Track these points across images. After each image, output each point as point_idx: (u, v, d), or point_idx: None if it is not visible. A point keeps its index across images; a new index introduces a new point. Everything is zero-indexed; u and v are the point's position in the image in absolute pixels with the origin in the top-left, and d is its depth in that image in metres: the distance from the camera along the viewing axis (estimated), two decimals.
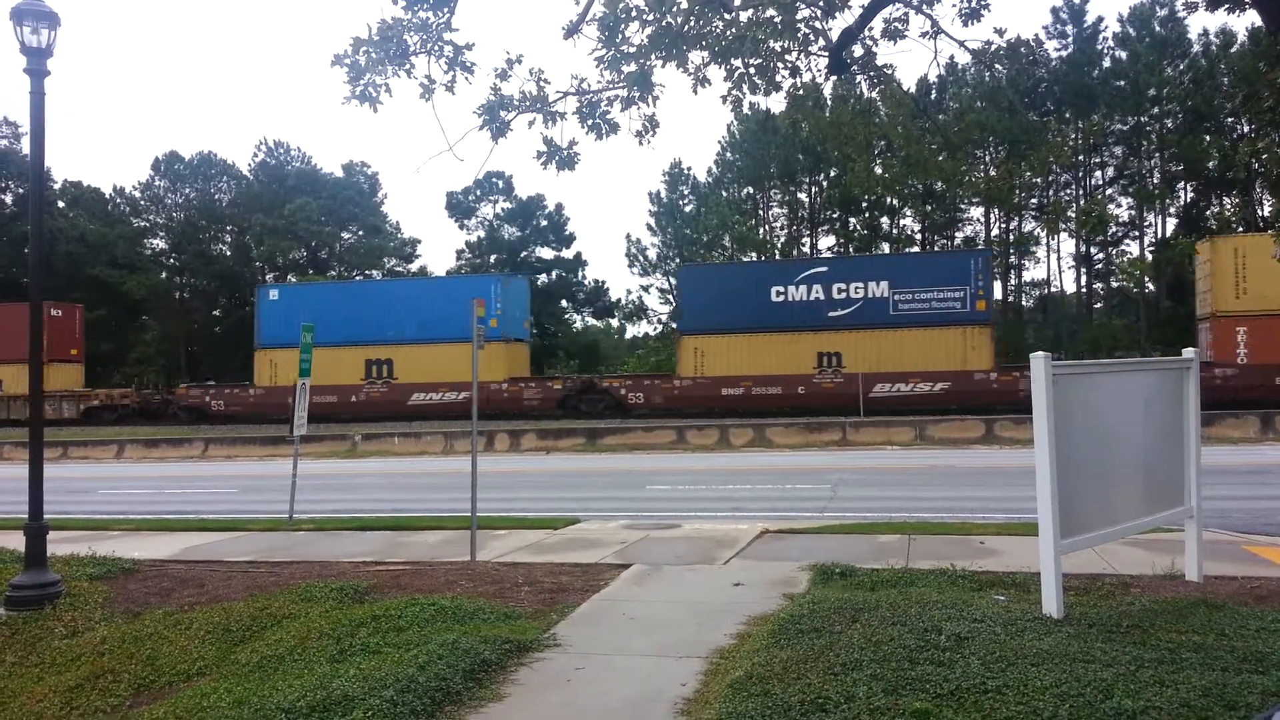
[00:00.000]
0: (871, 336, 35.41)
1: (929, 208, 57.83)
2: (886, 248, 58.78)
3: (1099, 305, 60.15)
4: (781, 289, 36.79)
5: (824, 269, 37.54)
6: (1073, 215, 51.21)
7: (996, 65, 8.94)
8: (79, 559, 10.12)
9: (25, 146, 59.59)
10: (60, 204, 67.52)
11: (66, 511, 15.75)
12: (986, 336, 34.68)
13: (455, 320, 34.91)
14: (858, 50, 8.74)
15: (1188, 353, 7.57)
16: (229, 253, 72.37)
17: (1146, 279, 54.23)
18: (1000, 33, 8.59)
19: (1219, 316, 33.03)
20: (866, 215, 60.24)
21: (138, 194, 72.36)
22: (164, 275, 69.52)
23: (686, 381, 36.80)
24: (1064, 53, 53.39)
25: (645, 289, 65.69)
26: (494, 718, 5.25)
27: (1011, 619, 6.17)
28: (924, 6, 8.51)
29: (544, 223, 71.04)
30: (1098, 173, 57.14)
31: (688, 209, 64.30)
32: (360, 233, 72.24)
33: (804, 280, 36.77)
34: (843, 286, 36.05)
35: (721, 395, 36.36)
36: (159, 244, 73.04)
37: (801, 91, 8.88)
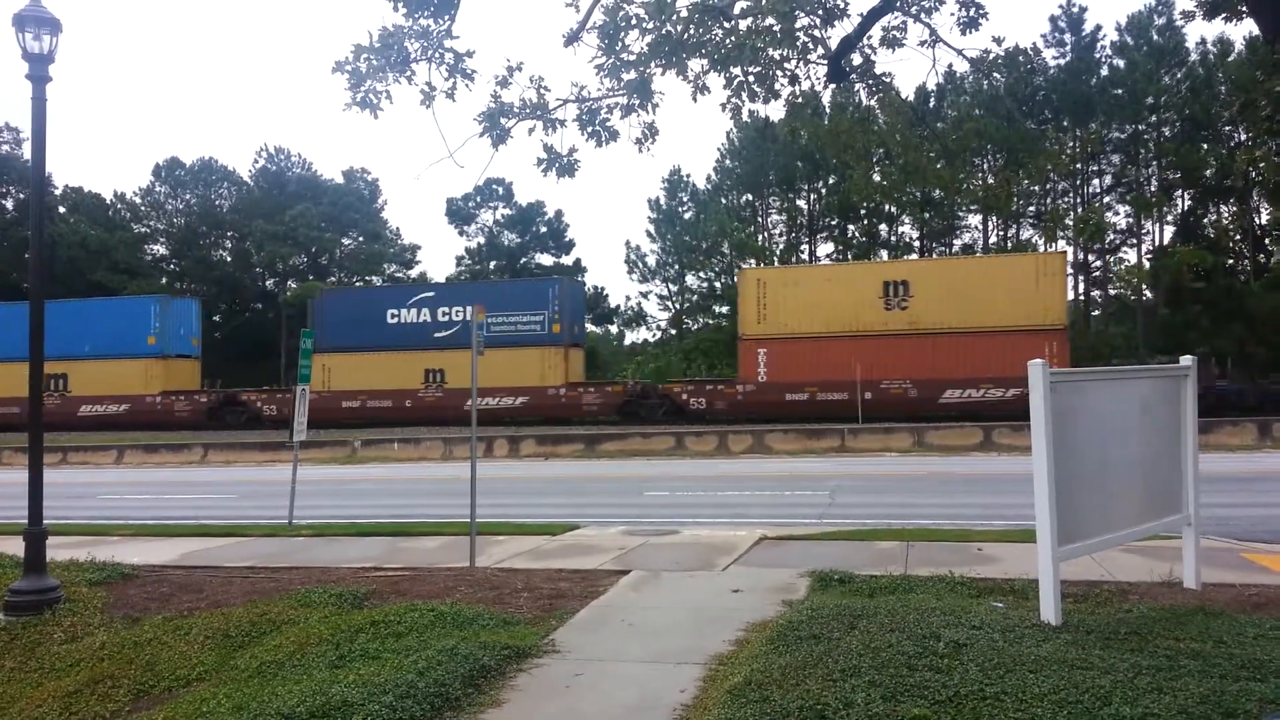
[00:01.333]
0: (467, 355, 36.66)
1: (927, 215, 57.96)
2: (885, 254, 58.86)
3: (1096, 313, 60.20)
4: (396, 311, 40.85)
5: (431, 294, 41.80)
6: (1070, 223, 51.33)
7: (995, 74, 8.98)
8: (78, 564, 10.11)
9: (26, 152, 59.63)
10: (61, 209, 67.62)
11: (66, 517, 15.74)
12: (561, 356, 38.98)
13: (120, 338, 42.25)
14: (856, 59, 8.78)
15: (1185, 360, 7.59)
16: (229, 259, 72.47)
17: (1144, 287, 54.27)
18: (998, 41, 8.63)
19: (744, 339, 36.96)
20: (865, 222, 60.36)
21: (138, 200, 72.52)
22: (164, 281, 69.50)
23: (312, 395, 39.60)
24: (1062, 61, 53.55)
25: (644, 295, 65.82)
26: None
27: (1010, 626, 6.18)
28: (922, 15, 8.56)
29: (543, 229, 71.14)
30: (1095, 181, 57.26)
31: (687, 216, 64.40)
32: (360, 239, 72.35)
33: (414, 304, 40.93)
34: (446, 310, 40.25)
35: (342, 408, 40.36)
36: (159, 250, 73.19)
37: (800, 99, 8.91)
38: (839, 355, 34.84)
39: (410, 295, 42.05)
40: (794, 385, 36.01)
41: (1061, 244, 53.52)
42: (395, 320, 40.73)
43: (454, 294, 42.21)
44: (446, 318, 39.96)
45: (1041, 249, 50.45)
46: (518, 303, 39.45)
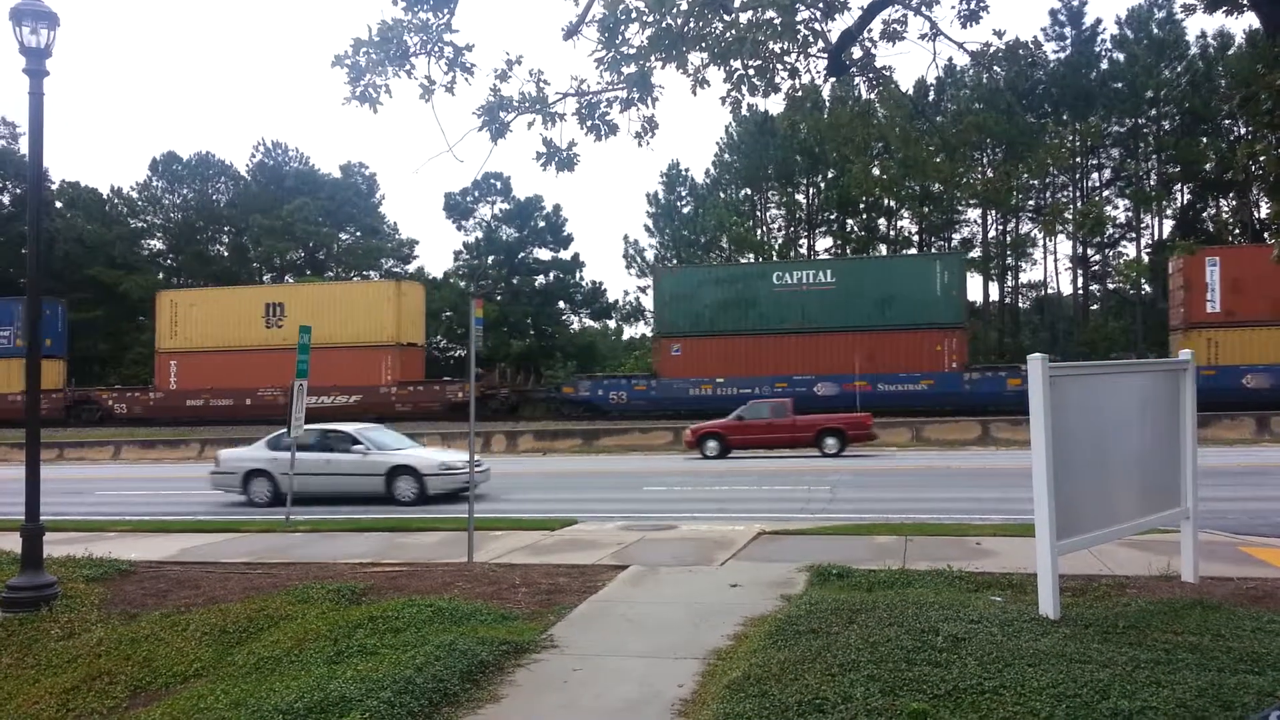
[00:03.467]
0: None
1: (926, 209, 57.90)
2: (884, 249, 58.84)
3: (1095, 307, 60.23)
4: None
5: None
6: (1070, 217, 51.17)
7: (995, 67, 8.94)
8: (75, 560, 10.10)
9: (23, 146, 59.61)
10: (58, 204, 67.45)
11: (63, 513, 15.73)
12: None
13: None
14: (857, 52, 8.74)
15: (1184, 354, 7.58)
16: (226, 253, 72.34)
17: (1143, 281, 54.28)
18: (999, 34, 8.59)
19: (159, 353, 44.23)
20: (864, 217, 60.34)
21: (135, 194, 72.33)
22: (161, 276, 69.39)
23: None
24: (1062, 55, 53.49)
25: (643, 290, 65.73)
26: (491, 719, 5.25)
27: (1008, 620, 6.18)
28: (923, 8, 8.52)
29: (542, 224, 71.01)
30: (1095, 174, 57.25)
31: (685, 210, 64.36)
32: (358, 233, 72.24)
33: None
34: None
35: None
36: (156, 244, 73.03)
37: (800, 93, 8.88)
38: (231, 367, 41.89)
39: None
40: (195, 393, 42.85)
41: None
42: None
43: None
44: None
45: (1041, 244, 50.21)
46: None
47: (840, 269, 39.66)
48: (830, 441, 26.33)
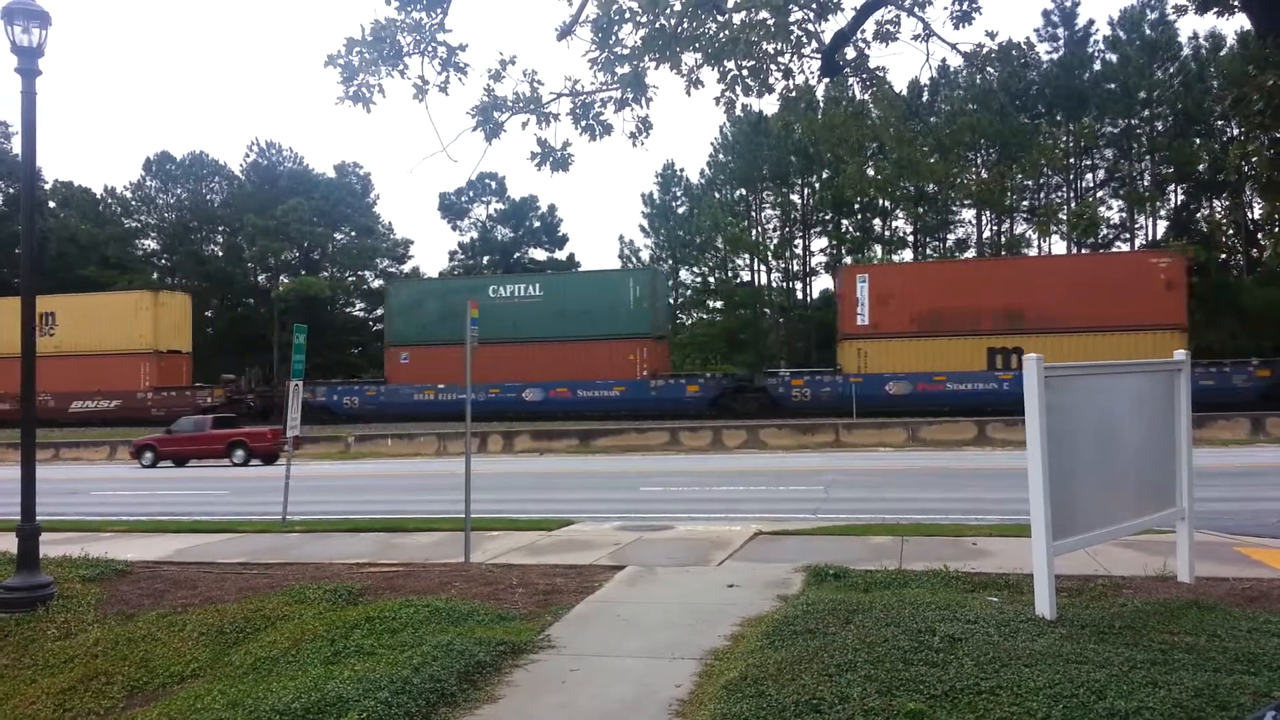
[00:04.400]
0: None
1: (921, 210, 57.99)
2: (879, 250, 58.94)
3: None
4: None
5: None
6: (1064, 217, 51.35)
7: (988, 68, 8.96)
8: (71, 560, 10.08)
9: (16, 146, 59.30)
10: (51, 204, 67.31)
11: (59, 513, 15.69)
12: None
13: None
14: (850, 52, 8.76)
15: (1179, 354, 7.60)
16: (221, 253, 72.20)
17: None
18: (992, 35, 8.62)
19: None
20: (859, 217, 60.39)
21: (129, 194, 72.20)
22: (155, 276, 69.24)
23: None
24: (1055, 56, 53.60)
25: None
26: (488, 719, 5.25)
27: (1004, 620, 6.19)
28: (916, 9, 8.54)
29: (537, 224, 71.04)
30: (1088, 175, 57.41)
31: (680, 210, 64.40)
32: (353, 233, 72.13)
33: None
34: None
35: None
36: (150, 244, 72.90)
37: (794, 93, 8.89)
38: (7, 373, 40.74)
39: None
40: None
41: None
42: None
43: None
44: None
45: (1035, 244, 50.44)
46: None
47: (547, 284, 43.47)
48: (239, 453, 30.67)
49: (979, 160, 52.10)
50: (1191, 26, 69.91)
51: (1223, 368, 35.58)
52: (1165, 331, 34.23)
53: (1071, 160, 54.06)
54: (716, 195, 63.18)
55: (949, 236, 60.75)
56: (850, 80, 9.29)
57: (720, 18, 7.95)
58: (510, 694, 5.60)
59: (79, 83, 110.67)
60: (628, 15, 7.84)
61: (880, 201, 57.97)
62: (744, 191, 63.72)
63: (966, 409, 34.42)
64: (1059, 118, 52.25)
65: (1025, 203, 56.22)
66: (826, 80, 9.08)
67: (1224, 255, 51.79)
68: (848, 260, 55.91)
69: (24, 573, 8.54)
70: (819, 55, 8.49)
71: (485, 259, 69.75)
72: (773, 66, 8.42)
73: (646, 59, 7.95)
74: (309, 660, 6.40)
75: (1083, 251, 51.79)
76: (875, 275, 38.95)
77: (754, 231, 62.51)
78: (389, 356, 43.19)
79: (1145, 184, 54.96)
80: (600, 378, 39.54)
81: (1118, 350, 32.49)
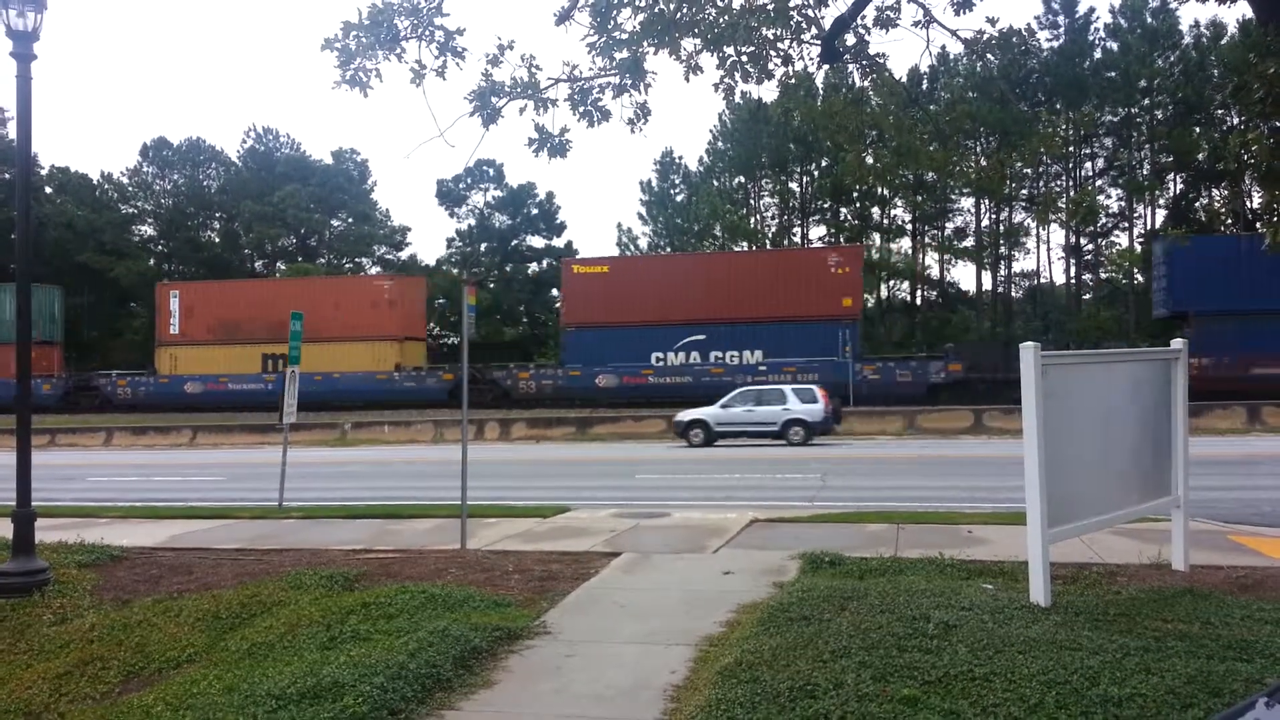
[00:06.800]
0: None
1: (920, 198, 57.91)
2: (878, 239, 58.92)
3: (1088, 296, 60.35)
4: None
5: None
6: (1063, 206, 51.25)
7: (988, 55, 8.93)
8: (67, 546, 10.07)
9: (11, 131, 58.95)
10: (48, 190, 67.06)
11: (54, 499, 15.69)
12: None
13: None
14: (850, 39, 8.72)
15: (1175, 344, 7.60)
16: (218, 239, 72.05)
17: (1135, 270, 54.41)
18: (992, 22, 8.57)
19: None
20: (858, 205, 60.32)
21: (126, 180, 71.96)
22: (152, 262, 69.12)
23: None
24: (1055, 43, 53.49)
25: None
26: (484, 704, 5.26)
27: (999, 607, 6.21)
28: None
29: (535, 211, 70.87)
30: (1088, 164, 57.34)
31: (679, 198, 64.27)
32: (350, 220, 71.99)
33: None
34: None
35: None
36: (147, 230, 72.70)
37: (794, 80, 8.86)
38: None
39: None
40: None
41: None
42: None
43: None
44: None
45: (1034, 233, 50.28)
46: None
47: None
48: None
49: (978, 148, 52.01)
50: (1193, 15, 69.81)
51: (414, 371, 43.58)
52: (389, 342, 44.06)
53: (1071, 148, 53.99)
54: (715, 183, 63.06)
55: (948, 224, 60.71)
56: (850, 67, 9.25)
57: (720, 3, 7.91)
58: (506, 679, 5.61)
59: (75, 68, 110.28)
60: (627, 0, 7.80)
61: (879, 189, 57.88)
62: (742, 179, 63.61)
63: (245, 406, 42.44)
64: (1059, 106, 52.08)
65: (1024, 191, 56.13)
66: (826, 67, 9.03)
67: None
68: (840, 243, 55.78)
69: (19, 558, 8.53)
70: (819, 41, 8.45)
71: (483, 246, 69.63)
72: (772, 52, 8.38)
73: (645, 44, 7.91)
74: (305, 646, 6.41)
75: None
76: (185, 291, 47.82)
77: (752, 219, 62.42)
78: None
79: (1145, 172, 54.91)
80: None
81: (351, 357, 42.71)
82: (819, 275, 38.17)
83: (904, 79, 10.74)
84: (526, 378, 42.15)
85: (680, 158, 66.90)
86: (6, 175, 63.77)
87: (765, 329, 38.40)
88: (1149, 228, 55.61)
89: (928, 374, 37.24)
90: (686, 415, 27.40)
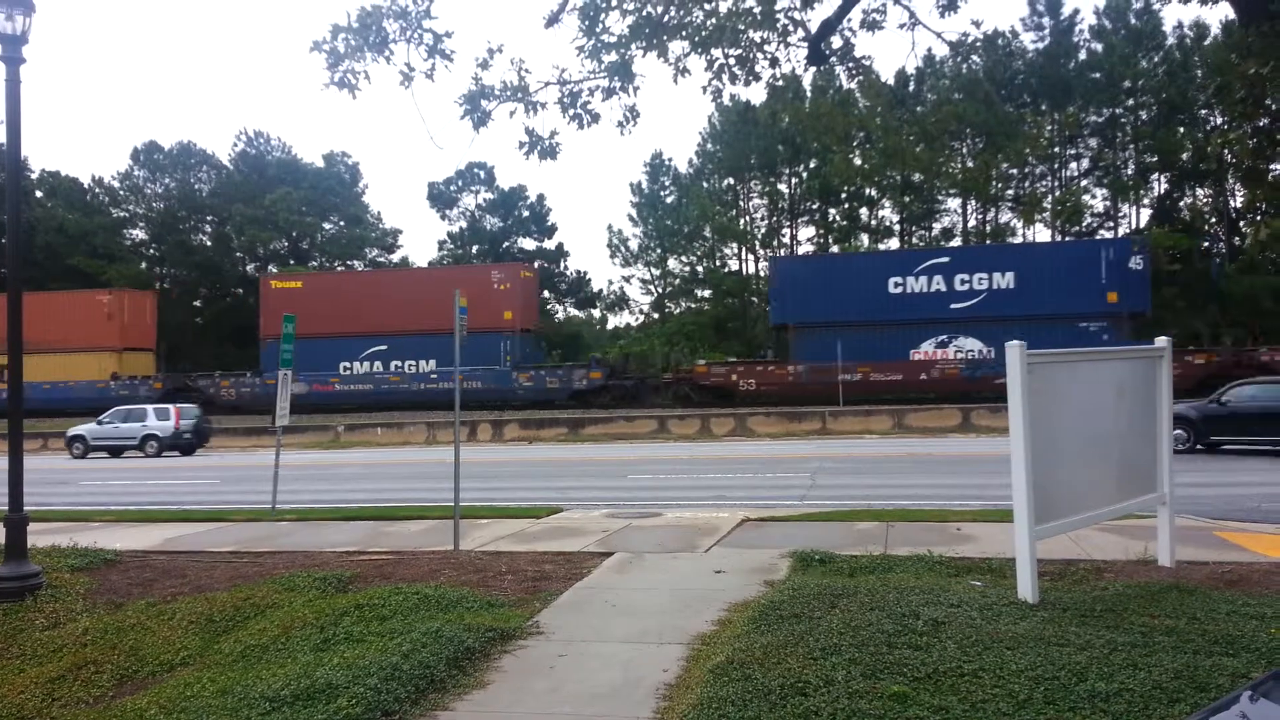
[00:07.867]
0: None
1: (907, 199, 58.06)
2: (866, 239, 59.03)
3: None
4: None
5: None
6: (1048, 206, 51.58)
7: (974, 57, 9.02)
8: (60, 550, 10.06)
9: (1, 136, 58.78)
10: (38, 194, 66.66)
11: (47, 503, 15.64)
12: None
13: None
14: (836, 41, 8.80)
15: (1160, 341, 7.68)
16: (209, 243, 71.69)
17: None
18: (977, 24, 8.67)
19: None
20: (846, 206, 60.40)
21: (117, 184, 71.55)
22: (144, 266, 68.79)
23: None
24: (1040, 45, 53.69)
25: (627, 280, 65.70)
26: (478, 705, 5.29)
27: (987, 604, 6.27)
28: None
29: (525, 213, 70.79)
30: (1073, 164, 57.52)
31: (669, 200, 64.26)
32: (341, 223, 71.77)
33: None
34: None
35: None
36: (138, 234, 72.28)
37: (781, 82, 8.93)
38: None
39: None
40: None
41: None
42: None
43: None
44: None
45: (1019, 233, 50.57)
46: None
47: None
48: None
49: (964, 149, 52.22)
50: (1176, 16, 70.21)
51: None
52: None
53: (1056, 149, 54.16)
54: (704, 184, 63.06)
55: (935, 225, 60.86)
56: (837, 69, 9.33)
57: (707, 6, 7.97)
58: (499, 680, 5.64)
59: (66, 72, 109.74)
60: (615, 3, 7.86)
61: (867, 190, 58.02)
62: (732, 181, 63.63)
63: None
64: (1044, 107, 52.30)
65: (1010, 191, 56.31)
66: (813, 69, 9.11)
67: (1205, 243, 52.04)
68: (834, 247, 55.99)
69: (12, 562, 8.53)
70: (805, 44, 8.52)
71: (474, 248, 69.52)
72: (760, 55, 8.45)
73: (634, 47, 7.97)
74: (299, 648, 6.43)
75: None
76: None
77: (742, 220, 62.47)
78: None
79: (1129, 173, 55.15)
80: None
81: None
82: (484, 291, 40.38)
83: (890, 81, 10.81)
84: (228, 385, 45.06)
85: (670, 159, 67.08)
86: None
87: (437, 340, 40.06)
88: (1134, 227, 55.85)
89: (572, 381, 41.02)
90: (71, 430, 32.78)
